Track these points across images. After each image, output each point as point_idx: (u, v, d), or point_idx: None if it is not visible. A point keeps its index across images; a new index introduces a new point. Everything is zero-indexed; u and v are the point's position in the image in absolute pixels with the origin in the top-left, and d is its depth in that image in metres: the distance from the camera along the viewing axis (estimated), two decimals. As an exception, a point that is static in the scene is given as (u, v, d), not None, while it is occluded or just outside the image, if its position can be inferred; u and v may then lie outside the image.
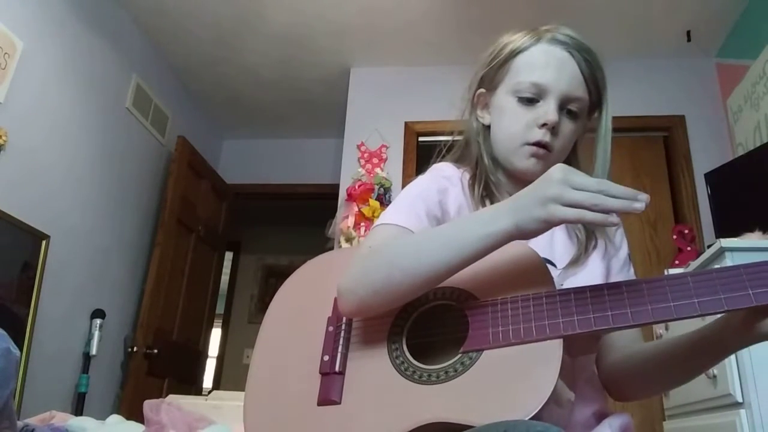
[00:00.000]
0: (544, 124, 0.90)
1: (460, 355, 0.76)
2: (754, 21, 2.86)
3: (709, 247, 1.90)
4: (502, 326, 0.75)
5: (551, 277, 0.78)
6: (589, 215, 0.67)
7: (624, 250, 1.00)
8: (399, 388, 0.76)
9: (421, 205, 0.91)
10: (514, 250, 0.80)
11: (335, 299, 0.88)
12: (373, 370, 0.80)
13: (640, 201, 0.66)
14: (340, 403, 0.79)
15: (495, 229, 0.73)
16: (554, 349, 0.72)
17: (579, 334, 0.72)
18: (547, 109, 0.90)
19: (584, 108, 0.93)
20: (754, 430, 1.60)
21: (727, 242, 1.77)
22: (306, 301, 0.93)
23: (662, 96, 3.29)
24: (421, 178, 1.00)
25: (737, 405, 1.67)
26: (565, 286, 0.85)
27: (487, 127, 1.01)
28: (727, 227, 2.31)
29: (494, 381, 0.73)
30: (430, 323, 0.83)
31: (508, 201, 0.75)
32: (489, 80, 0.99)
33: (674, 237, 2.89)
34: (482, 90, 1.01)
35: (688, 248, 2.82)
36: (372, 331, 0.83)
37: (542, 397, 0.68)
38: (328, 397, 0.80)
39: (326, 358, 0.83)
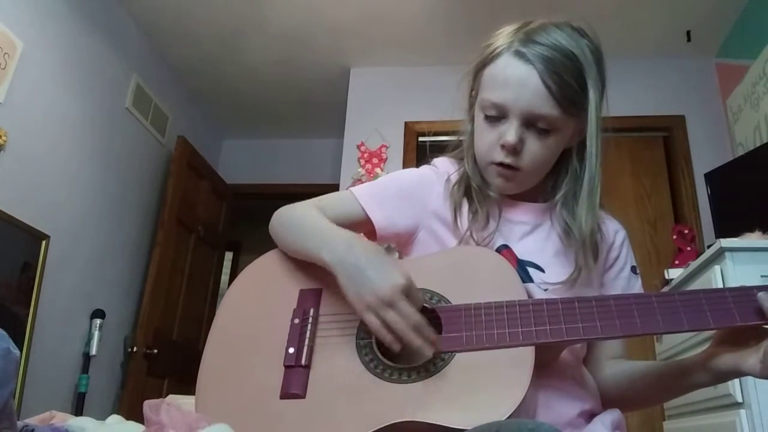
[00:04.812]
0: (503, 146, 0.88)
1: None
2: (754, 21, 2.86)
3: (709, 247, 1.90)
4: (476, 330, 0.76)
5: (523, 289, 0.81)
6: (383, 333, 0.74)
7: (628, 264, 0.98)
8: (368, 386, 0.76)
9: (393, 196, 0.97)
10: (488, 257, 0.85)
11: (300, 291, 0.89)
12: (340, 365, 0.80)
13: (428, 353, 0.74)
14: (304, 397, 0.78)
15: (327, 258, 0.82)
16: (527, 354, 0.74)
17: (550, 343, 0.74)
18: (506, 131, 0.87)
19: (556, 122, 0.86)
20: (754, 430, 1.59)
21: (727, 242, 1.77)
22: (267, 292, 0.92)
23: (662, 96, 3.29)
24: (413, 170, 1.05)
25: (737, 405, 1.67)
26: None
27: None
28: (727, 227, 2.31)
29: (468, 382, 0.73)
30: None
31: (360, 255, 0.79)
32: (474, 85, 0.96)
33: (674, 237, 2.88)
34: (474, 92, 0.97)
35: (688, 248, 2.82)
36: (340, 327, 0.83)
37: (516, 399, 0.69)
38: (291, 391, 0.78)
39: (291, 350, 0.82)
